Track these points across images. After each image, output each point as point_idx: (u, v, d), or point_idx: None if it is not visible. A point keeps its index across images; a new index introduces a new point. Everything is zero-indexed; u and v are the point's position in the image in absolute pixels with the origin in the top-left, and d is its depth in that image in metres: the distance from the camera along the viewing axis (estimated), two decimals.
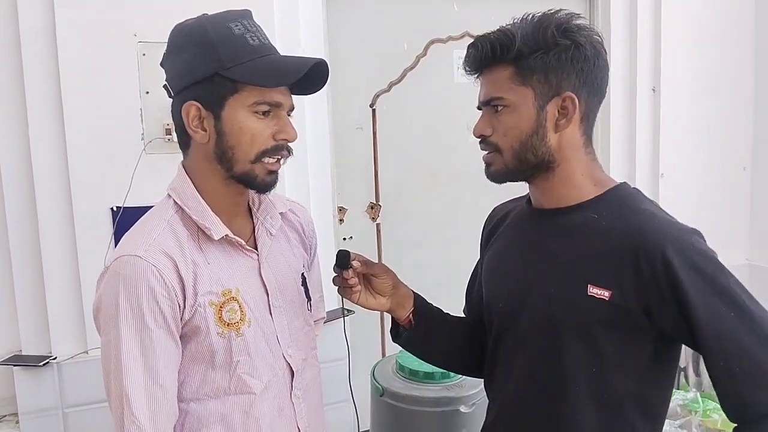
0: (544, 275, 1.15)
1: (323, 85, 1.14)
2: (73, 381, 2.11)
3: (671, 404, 2.13)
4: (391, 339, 1.39)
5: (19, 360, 2.10)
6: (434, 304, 1.39)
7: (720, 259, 1.09)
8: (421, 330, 1.34)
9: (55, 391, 2.11)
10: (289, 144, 1.14)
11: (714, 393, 2.09)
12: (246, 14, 1.11)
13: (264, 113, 1.09)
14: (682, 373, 2.61)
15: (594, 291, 1.08)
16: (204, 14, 1.12)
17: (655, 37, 2.82)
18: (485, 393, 1.35)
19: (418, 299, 1.35)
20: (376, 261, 1.32)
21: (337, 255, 1.24)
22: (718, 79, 2.94)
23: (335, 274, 1.26)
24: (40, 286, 2.09)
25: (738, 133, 3.03)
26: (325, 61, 1.10)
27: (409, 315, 1.32)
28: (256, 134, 1.09)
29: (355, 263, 1.24)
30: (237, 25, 1.07)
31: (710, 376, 1.05)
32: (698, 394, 2.13)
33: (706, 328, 1.02)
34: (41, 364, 2.06)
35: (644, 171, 2.87)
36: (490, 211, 1.41)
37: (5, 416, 2.18)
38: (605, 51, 1.13)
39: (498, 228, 1.33)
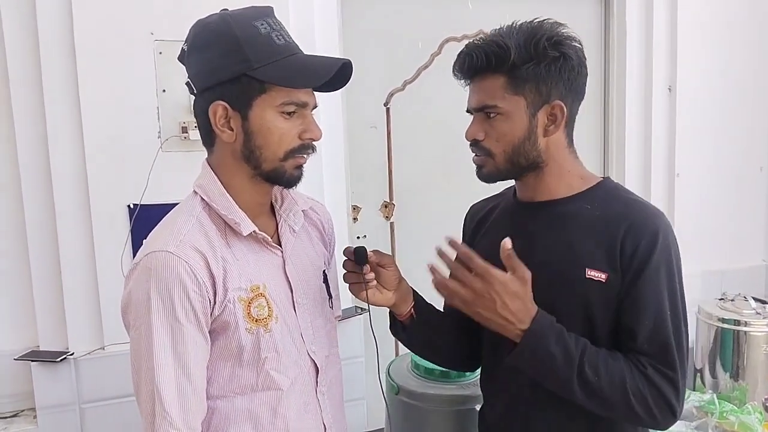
0: (544, 264, 1.18)
1: (345, 83, 1.15)
2: (89, 377, 2.13)
3: (687, 405, 2.13)
4: (391, 335, 1.42)
5: (36, 356, 2.12)
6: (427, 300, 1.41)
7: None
8: (421, 324, 1.36)
9: (72, 387, 2.13)
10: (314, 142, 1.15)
11: (731, 395, 2.07)
12: (269, 12, 1.10)
13: (290, 113, 1.10)
14: (698, 374, 2.59)
15: (592, 274, 1.15)
16: (225, 10, 1.12)
17: (671, 36, 2.80)
18: (480, 389, 1.40)
19: (416, 294, 1.38)
20: None
21: (355, 251, 1.25)
22: (735, 78, 2.91)
23: (347, 271, 1.27)
24: (57, 282, 2.11)
25: (755, 132, 3.00)
26: (350, 61, 1.11)
27: (410, 310, 1.34)
28: (283, 134, 1.09)
29: (370, 254, 1.26)
30: (263, 24, 1.07)
31: (620, 328, 1.16)
32: (714, 395, 2.12)
33: (645, 306, 1.12)
34: (58, 359, 2.08)
35: (660, 171, 2.85)
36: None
37: (23, 411, 2.20)
38: (585, 57, 1.21)
39: (484, 224, 1.39)
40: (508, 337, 1.13)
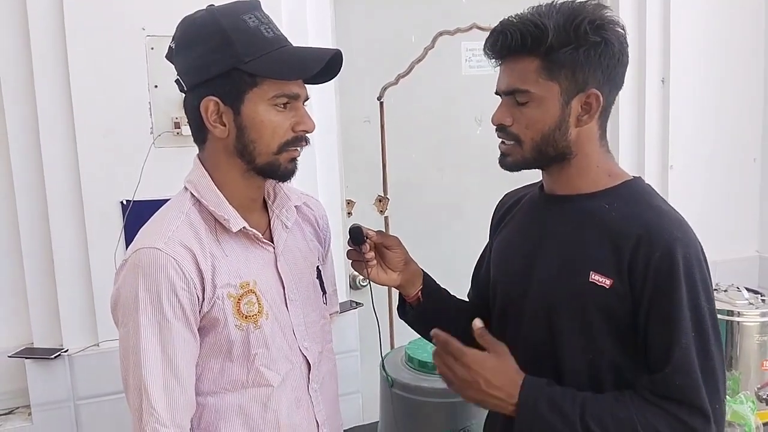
0: (549, 259, 1.16)
1: (336, 74, 1.15)
2: (84, 373, 2.13)
3: None
4: (398, 316, 1.42)
5: (30, 353, 2.11)
6: (442, 286, 1.40)
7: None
8: (428, 308, 1.36)
9: (67, 384, 2.13)
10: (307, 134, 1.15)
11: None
12: (256, 5, 1.10)
13: (283, 105, 1.10)
14: None
15: (596, 278, 1.09)
16: (211, 5, 1.11)
17: (664, 28, 2.80)
18: None
19: (426, 278, 1.37)
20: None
21: (350, 231, 1.25)
22: (728, 69, 2.91)
23: (350, 248, 1.27)
24: (51, 279, 2.10)
25: (748, 124, 3.00)
26: (340, 51, 1.11)
27: (417, 292, 1.35)
28: (276, 127, 1.09)
29: (370, 233, 1.25)
30: (250, 17, 1.07)
31: (647, 359, 1.08)
32: None
33: (665, 328, 1.05)
34: (53, 356, 2.08)
35: (653, 162, 2.85)
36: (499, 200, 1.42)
37: (18, 408, 2.20)
38: (627, 44, 1.13)
39: (509, 213, 1.35)
40: (506, 414, 1.11)
